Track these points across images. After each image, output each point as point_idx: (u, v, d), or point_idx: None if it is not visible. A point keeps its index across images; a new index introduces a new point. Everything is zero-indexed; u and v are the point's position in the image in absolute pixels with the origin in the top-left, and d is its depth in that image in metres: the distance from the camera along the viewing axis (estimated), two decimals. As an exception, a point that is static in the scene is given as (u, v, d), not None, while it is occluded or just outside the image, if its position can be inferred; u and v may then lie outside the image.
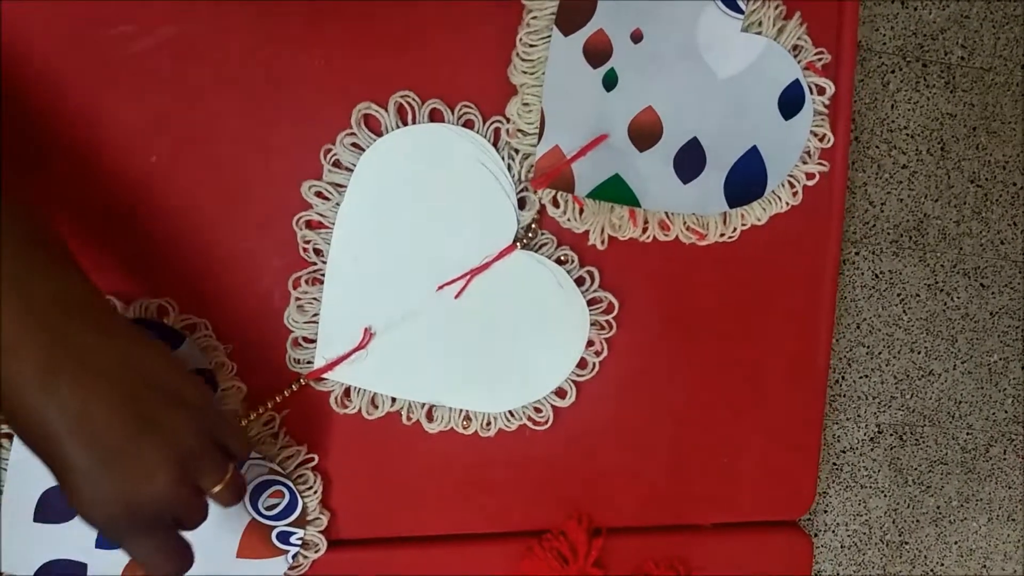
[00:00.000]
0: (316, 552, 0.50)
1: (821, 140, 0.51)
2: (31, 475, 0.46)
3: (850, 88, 0.52)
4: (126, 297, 0.47)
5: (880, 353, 1.30)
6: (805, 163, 0.51)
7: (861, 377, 1.31)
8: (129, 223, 0.47)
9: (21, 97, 0.45)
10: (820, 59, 0.50)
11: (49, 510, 0.46)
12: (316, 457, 0.49)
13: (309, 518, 0.49)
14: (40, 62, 0.45)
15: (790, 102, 0.49)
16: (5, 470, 0.46)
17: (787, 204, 0.51)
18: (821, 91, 0.50)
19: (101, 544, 0.47)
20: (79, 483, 0.36)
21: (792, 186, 0.51)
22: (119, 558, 0.47)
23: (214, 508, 0.43)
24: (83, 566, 0.47)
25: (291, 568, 0.49)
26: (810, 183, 0.51)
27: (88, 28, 0.45)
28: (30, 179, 0.46)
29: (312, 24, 0.47)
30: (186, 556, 0.40)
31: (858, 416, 1.33)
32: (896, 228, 1.27)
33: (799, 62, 0.49)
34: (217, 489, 0.40)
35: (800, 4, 0.49)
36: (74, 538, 0.46)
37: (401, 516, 0.52)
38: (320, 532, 0.50)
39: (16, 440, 0.46)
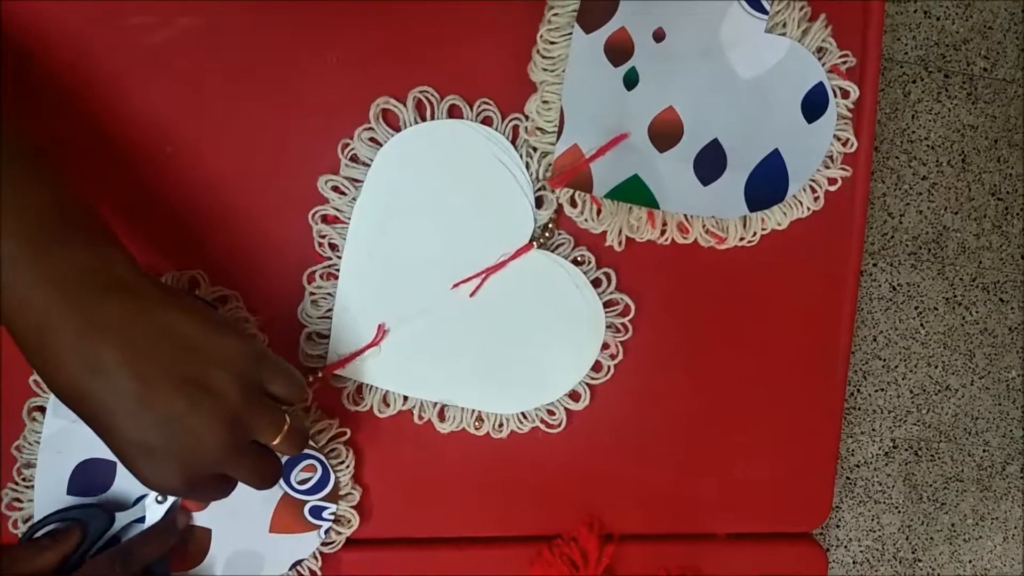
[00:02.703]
0: (349, 527, 0.49)
1: (844, 145, 0.50)
2: (64, 449, 0.47)
3: (875, 92, 0.51)
4: (156, 271, 0.47)
5: (896, 367, 1.29)
6: (828, 168, 0.50)
7: (877, 390, 1.29)
8: (143, 212, 0.47)
9: (40, 85, 0.45)
10: (845, 62, 0.49)
11: (82, 483, 0.47)
12: (348, 431, 0.49)
13: (341, 493, 0.49)
14: (59, 52, 0.45)
15: (813, 105, 0.49)
16: (39, 443, 0.46)
17: (808, 209, 0.50)
18: (845, 94, 0.49)
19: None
20: (134, 458, 0.37)
21: (814, 191, 0.50)
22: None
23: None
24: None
25: (324, 544, 0.49)
26: (832, 188, 0.50)
27: (107, 18, 0.45)
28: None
29: (332, 18, 0.47)
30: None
31: (873, 430, 1.31)
32: (915, 240, 1.25)
33: (823, 64, 0.48)
34: (276, 442, 0.40)
35: (825, 6, 0.49)
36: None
37: (409, 517, 0.51)
38: (352, 507, 0.49)
39: (49, 414, 0.47)
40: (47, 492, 0.47)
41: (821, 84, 0.48)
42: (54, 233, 0.36)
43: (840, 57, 0.49)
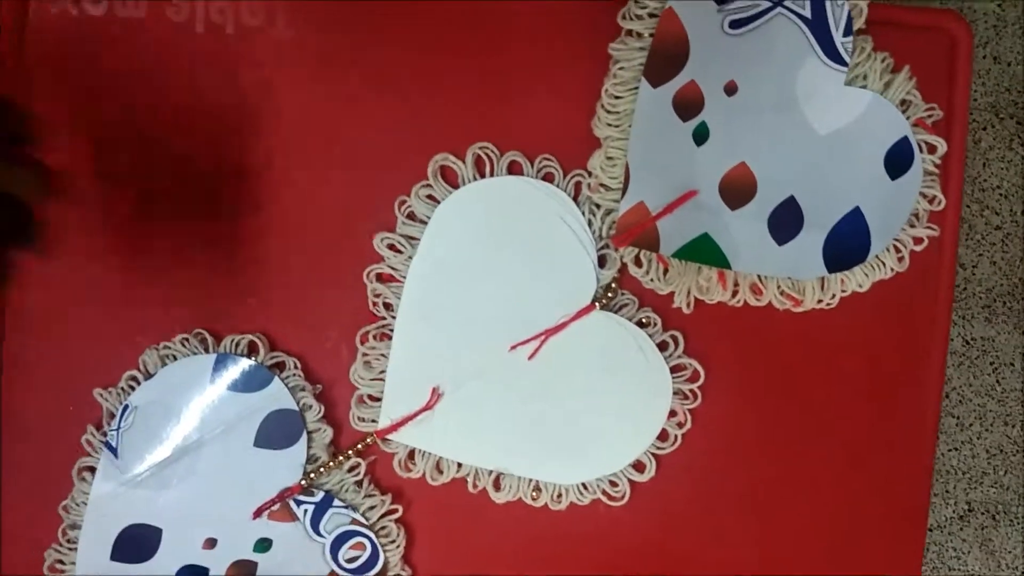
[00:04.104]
0: None
1: (931, 202, 0.47)
2: (112, 511, 0.45)
3: (962, 147, 0.48)
4: (216, 333, 0.46)
5: (971, 425, 1.22)
6: (913, 226, 0.47)
7: (950, 450, 1.23)
8: (196, 270, 0.46)
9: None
10: (931, 115, 0.46)
11: (126, 549, 0.46)
12: (400, 508, 0.47)
13: (390, 574, 0.47)
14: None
15: (897, 161, 0.46)
16: (86, 505, 0.45)
17: (892, 270, 0.47)
18: (932, 149, 0.46)
19: None
20: None
21: (898, 251, 0.47)
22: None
23: (294, 558, 0.43)
24: None
25: None
26: (918, 248, 0.47)
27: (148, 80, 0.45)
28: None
29: (391, 74, 0.46)
30: None
31: (946, 492, 1.24)
32: (989, 292, 1.19)
33: (908, 118, 0.46)
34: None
35: (909, 56, 0.46)
36: None
37: (462, 590, 0.49)
38: None
39: (99, 476, 0.46)
40: (90, 557, 0.46)
41: (906, 139, 0.46)
42: None
43: (926, 110, 0.46)
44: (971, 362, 1.28)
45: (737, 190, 0.46)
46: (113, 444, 0.45)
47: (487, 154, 0.46)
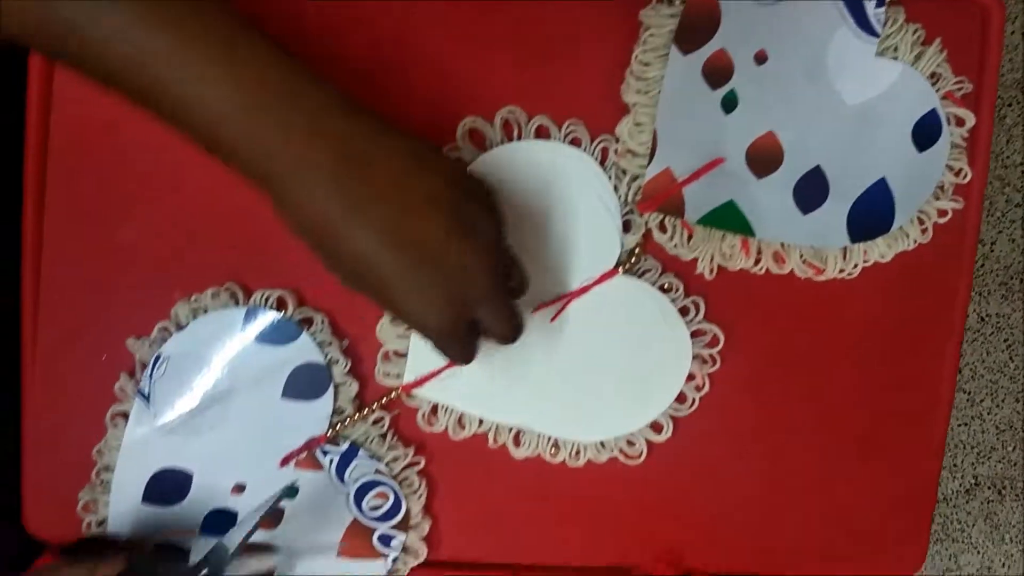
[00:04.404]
0: (416, 559, 0.49)
1: (957, 175, 0.47)
2: (144, 456, 0.47)
3: (990, 120, 0.48)
4: (246, 287, 0.47)
5: (982, 401, 1.23)
6: (938, 198, 0.47)
7: (960, 424, 1.23)
8: (226, 230, 0.47)
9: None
10: (960, 89, 0.46)
11: (157, 492, 0.47)
12: (423, 460, 0.48)
13: (412, 523, 0.48)
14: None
15: (925, 133, 0.46)
16: (119, 449, 0.47)
17: (915, 242, 0.47)
18: (960, 122, 0.46)
19: (206, 530, 0.47)
20: (403, 295, 0.36)
21: (922, 223, 0.47)
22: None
23: (319, 505, 0.45)
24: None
25: (389, 573, 0.48)
26: (941, 220, 0.47)
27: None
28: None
29: (420, 39, 0.47)
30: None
31: (954, 466, 1.25)
32: (1006, 270, 1.19)
33: (937, 91, 0.46)
34: (514, 286, 0.42)
35: (940, 28, 0.46)
36: (179, 522, 0.47)
37: (481, 542, 0.50)
38: (422, 539, 0.49)
39: (131, 421, 0.47)
40: (122, 498, 0.47)
41: (934, 111, 0.46)
42: (282, 83, 0.35)
43: (955, 83, 0.46)
44: (985, 338, 1.28)
45: (764, 158, 0.46)
46: (145, 392, 0.47)
47: (515, 118, 0.46)
